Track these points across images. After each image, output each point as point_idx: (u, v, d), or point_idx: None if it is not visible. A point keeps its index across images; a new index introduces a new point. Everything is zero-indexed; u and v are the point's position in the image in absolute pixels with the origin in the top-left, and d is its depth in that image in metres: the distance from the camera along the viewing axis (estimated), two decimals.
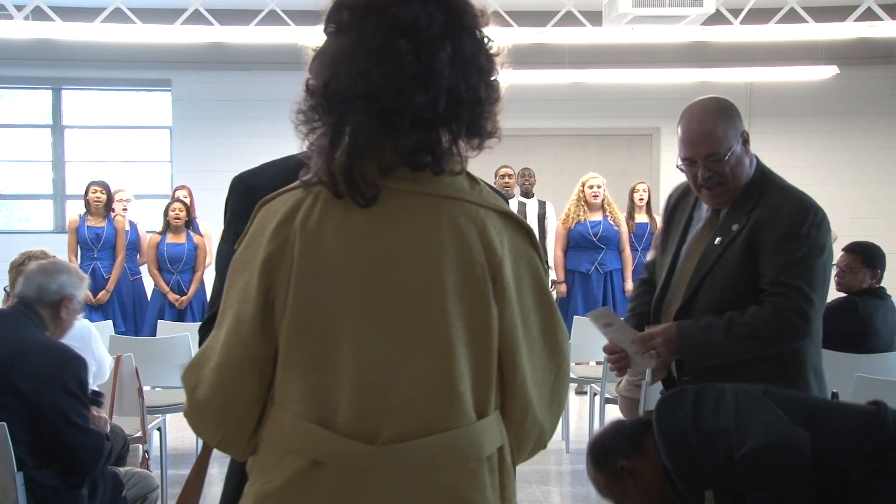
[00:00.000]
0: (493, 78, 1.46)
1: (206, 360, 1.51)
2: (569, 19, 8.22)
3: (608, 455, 2.45)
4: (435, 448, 1.41)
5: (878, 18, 8.01)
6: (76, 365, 3.02)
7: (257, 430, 1.51)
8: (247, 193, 1.77)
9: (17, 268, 3.59)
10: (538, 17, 8.34)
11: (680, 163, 2.66)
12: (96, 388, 3.56)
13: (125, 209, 8.04)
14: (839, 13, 8.33)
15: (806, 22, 8.11)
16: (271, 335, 1.46)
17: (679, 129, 2.66)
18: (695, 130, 2.62)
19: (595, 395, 5.43)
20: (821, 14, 8.33)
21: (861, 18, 8.07)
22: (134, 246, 7.87)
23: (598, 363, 5.75)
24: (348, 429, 1.41)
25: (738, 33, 8.22)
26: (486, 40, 1.47)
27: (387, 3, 1.40)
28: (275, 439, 1.47)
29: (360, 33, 1.40)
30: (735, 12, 8.11)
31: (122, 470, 3.49)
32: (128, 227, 7.86)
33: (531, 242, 1.52)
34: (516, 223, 1.51)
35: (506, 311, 1.46)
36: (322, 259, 1.43)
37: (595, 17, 7.90)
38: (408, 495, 1.41)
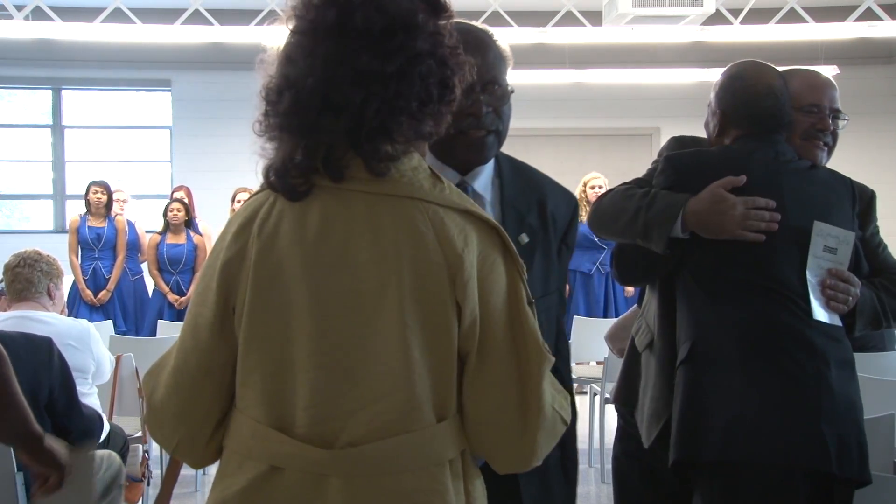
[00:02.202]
0: (430, 77, 1.41)
1: (165, 365, 1.52)
2: (569, 19, 8.22)
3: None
4: (392, 452, 1.39)
5: (878, 18, 8.02)
6: (54, 345, 3.00)
7: (214, 438, 1.50)
8: None
9: (11, 270, 3.58)
10: (538, 17, 8.34)
11: (802, 108, 2.41)
12: None
13: (122, 209, 8.05)
14: (839, 13, 8.34)
15: (806, 22, 8.13)
16: (230, 340, 1.45)
17: (797, 79, 2.45)
18: (827, 82, 2.49)
19: (595, 395, 5.43)
20: (821, 14, 8.34)
21: (861, 18, 8.08)
22: (134, 245, 7.87)
23: (598, 363, 5.75)
24: (306, 433, 1.40)
25: (738, 33, 8.23)
26: (434, 36, 1.42)
27: (321, 4, 1.42)
28: (235, 445, 1.46)
29: (294, 33, 1.44)
30: (735, 12, 8.12)
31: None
32: (126, 228, 7.86)
33: (501, 240, 1.47)
34: (482, 221, 1.46)
35: (466, 310, 1.41)
36: (277, 264, 1.42)
37: (595, 17, 7.90)
38: (366, 500, 1.39)
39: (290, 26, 1.44)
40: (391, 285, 1.39)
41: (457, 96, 1.46)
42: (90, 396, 3.65)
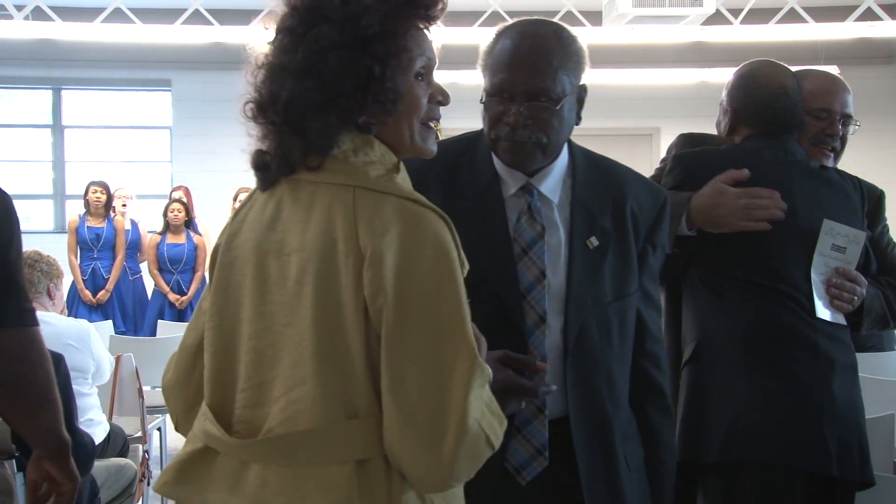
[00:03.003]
0: (340, 69, 1.39)
1: None
2: (569, 19, 8.21)
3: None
4: (297, 444, 1.38)
5: (878, 18, 8.02)
6: (63, 363, 2.99)
7: None
8: None
9: None
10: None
11: (812, 111, 2.40)
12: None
13: (125, 205, 8.04)
14: (839, 13, 8.34)
15: (806, 22, 8.12)
16: None
17: (810, 81, 2.44)
18: (841, 86, 2.48)
19: None
20: (821, 14, 8.33)
21: (861, 18, 8.08)
22: (135, 245, 7.88)
23: None
24: (241, 415, 1.44)
25: (738, 33, 8.23)
26: (345, 24, 1.39)
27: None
28: (197, 419, 1.53)
29: None
30: (735, 12, 8.12)
31: (104, 462, 3.46)
32: (129, 227, 7.86)
33: (447, 229, 1.38)
34: (426, 209, 1.38)
35: (375, 304, 1.35)
36: (236, 249, 1.49)
37: (595, 17, 7.91)
38: (273, 489, 1.38)
39: None
40: (309, 273, 1.39)
41: (391, 86, 1.40)
42: (90, 396, 3.66)
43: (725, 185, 2.23)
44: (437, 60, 1.50)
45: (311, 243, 1.39)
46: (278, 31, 1.45)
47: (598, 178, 1.86)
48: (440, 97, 1.50)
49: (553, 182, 1.82)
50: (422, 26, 1.46)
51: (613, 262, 1.80)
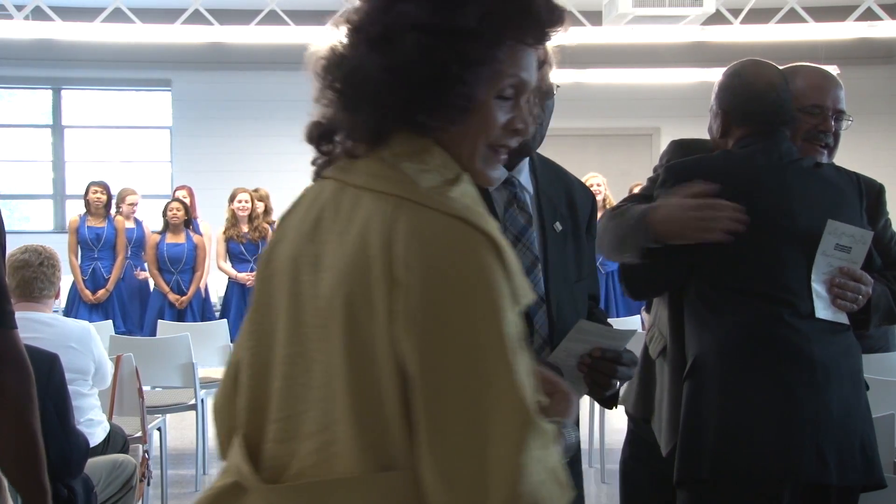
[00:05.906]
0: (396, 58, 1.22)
1: None
2: (569, 19, 8.21)
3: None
4: (330, 495, 1.18)
5: (878, 18, 8.03)
6: (58, 363, 2.98)
7: None
8: None
9: (17, 270, 3.57)
10: None
11: (804, 108, 2.37)
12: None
13: (133, 211, 8.04)
14: (839, 13, 8.35)
15: (806, 22, 8.13)
16: None
17: (801, 78, 2.43)
18: (832, 81, 2.47)
19: None
20: (821, 14, 8.34)
21: (861, 18, 8.08)
22: (140, 243, 7.87)
23: None
24: (270, 449, 1.25)
25: (738, 33, 8.23)
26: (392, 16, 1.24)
27: None
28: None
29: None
30: (735, 12, 8.12)
31: (101, 459, 3.46)
32: (133, 225, 7.86)
33: (496, 256, 1.16)
34: (474, 232, 1.17)
35: (405, 343, 1.14)
36: (276, 260, 1.30)
37: (595, 17, 7.90)
38: None
39: None
40: (339, 296, 1.18)
41: (466, 91, 1.25)
42: (90, 397, 3.66)
43: (683, 199, 2.20)
44: (533, 84, 1.30)
45: (344, 261, 1.19)
46: None
47: (550, 173, 2.04)
48: (520, 126, 1.28)
49: (526, 175, 1.97)
50: (526, 44, 1.29)
51: (572, 245, 1.96)
